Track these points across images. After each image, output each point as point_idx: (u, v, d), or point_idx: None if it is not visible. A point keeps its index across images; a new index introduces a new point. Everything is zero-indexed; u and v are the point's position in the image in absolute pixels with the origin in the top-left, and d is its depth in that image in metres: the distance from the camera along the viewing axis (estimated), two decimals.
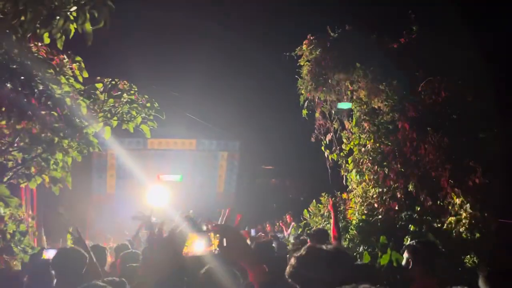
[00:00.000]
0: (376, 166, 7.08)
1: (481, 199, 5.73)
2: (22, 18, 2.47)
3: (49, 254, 4.77)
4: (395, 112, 7.07)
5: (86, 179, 14.52)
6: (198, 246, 1.64)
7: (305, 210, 8.71)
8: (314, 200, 8.81)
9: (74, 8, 2.58)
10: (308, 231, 8.17)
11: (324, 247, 1.74)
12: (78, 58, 4.65)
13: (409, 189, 6.54)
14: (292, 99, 9.32)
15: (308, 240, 5.24)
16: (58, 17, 2.59)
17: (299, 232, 8.42)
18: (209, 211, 11.87)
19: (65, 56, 4.61)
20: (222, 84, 16.12)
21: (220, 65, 15.19)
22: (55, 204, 12.23)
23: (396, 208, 6.70)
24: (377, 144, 7.20)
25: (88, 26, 2.61)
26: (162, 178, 15.90)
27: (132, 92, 4.69)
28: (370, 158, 7.18)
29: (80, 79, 4.64)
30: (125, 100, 4.64)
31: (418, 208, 6.43)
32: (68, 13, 2.58)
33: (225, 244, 1.57)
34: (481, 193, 5.75)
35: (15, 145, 4.25)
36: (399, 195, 6.71)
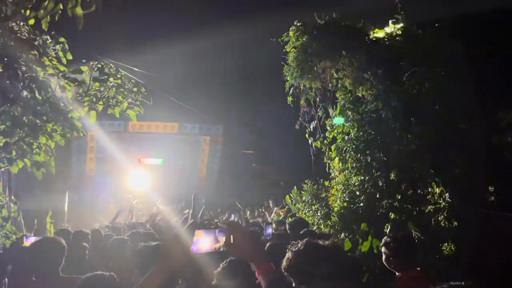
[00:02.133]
0: (358, 155, 7.17)
1: (460, 188, 5.89)
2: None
3: (30, 241, 4.72)
4: (379, 101, 7.13)
5: (64, 161, 14.26)
6: (205, 243, 1.62)
7: (287, 196, 8.79)
8: (295, 187, 8.89)
9: None
10: (289, 218, 8.29)
11: (321, 242, 1.77)
12: (62, 39, 4.50)
13: (390, 178, 6.65)
14: (277, 85, 9.32)
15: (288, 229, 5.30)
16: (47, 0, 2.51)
17: (281, 218, 8.52)
18: (190, 195, 11.84)
19: (49, 37, 4.46)
20: (206, 68, 15.93)
21: (204, 49, 14.99)
22: (31, 187, 12.00)
23: (377, 196, 6.82)
24: (361, 133, 7.28)
25: (79, 10, 2.53)
26: (143, 161, 15.76)
27: (119, 76, 4.59)
28: (353, 146, 7.26)
29: (64, 61, 4.50)
30: (111, 84, 4.55)
31: (399, 197, 6.56)
32: None
33: (232, 242, 1.57)
34: (460, 183, 5.91)
35: None
36: (380, 184, 6.83)
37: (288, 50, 7.99)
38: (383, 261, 3.46)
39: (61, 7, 2.93)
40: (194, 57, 15.12)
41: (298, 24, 7.79)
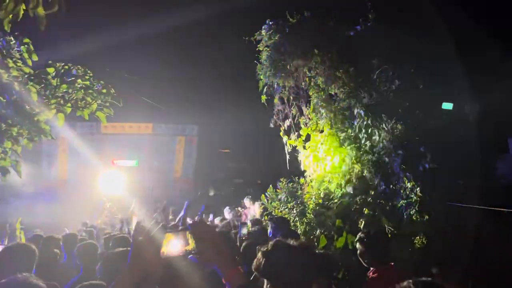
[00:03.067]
0: (333, 152, 7.26)
1: (430, 183, 6.04)
2: None
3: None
4: (351, 99, 7.24)
5: (35, 165, 13.87)
6: (174, 246, 1.59)
7: (263, 195, 8.81)
8: (271, 185, 8.91)
9: None
10: (265, 216, 8.31)
11: (290, 242, 1.77)
12: (27, 40, 4.36)
13: (363, 174, 6.76)
14: (251, 84, 9.32)
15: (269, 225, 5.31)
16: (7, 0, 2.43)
17: (256, 217, 8.53)
18: (166, 197, 11.74)
19: (12, 38, 4.32)
20: (180, 68, 15.78)
21: (177, 48, 14.85)
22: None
23: (351, 192, 6.92)
24: (334, 130, 7.38)
25: (41, 10, 2.46)
26: (117, 163, 15.48)
27: (87, 77, 4.49)
28: (327, 143, 7.35)
29: (29, 63, 4.37)
30: (79, 86, 4.44)
31: (372, 192, 6.68)
32: None
33: (193, 244, 1.54)
34: (430, 177, 6.06)
35: None
36: (354, 180, 6.93)
37: (261, 48, 8.00)
38: (358, 256, 3.52)
39: (24, 8, 2.85)
40: (167, 57, 14.97)
41: (270, 22, 7.81)
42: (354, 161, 6.94)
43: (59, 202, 13.82)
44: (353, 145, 7.06)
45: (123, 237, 4.26)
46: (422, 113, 6.60)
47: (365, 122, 6.91)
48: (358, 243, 3.53)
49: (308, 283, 1.62)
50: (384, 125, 6.65)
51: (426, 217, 5.93)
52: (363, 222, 6.45)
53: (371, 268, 3.33)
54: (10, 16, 3.03)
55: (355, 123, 7.06)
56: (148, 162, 16.49)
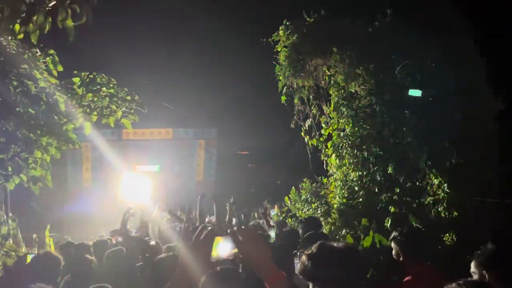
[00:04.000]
0: (355, 150, 7.19)
1: (458, 178, 5.92)
2: None
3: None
4: (372, 96, 7.16)
5: (60, 173, 14.12)
6: (223, 249, 1.59)
7: (286, 197, 8.79)
8: (293, 187, 8.89)
9: (53, 3, 2.47)
10: (290, 218, 8.29)
11: (335, 244, 1.76)
12: (52, 51, 4.46)
13: (388, 172, 6.67)
14: (270, 85, 9.32)
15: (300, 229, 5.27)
16: (37, 14, 2.48)
17: (281, 219, 8.51)
18: (189, 200, 11.80)
19: (38, 50, 4.42)
20: (197, 72, 15.90)
21: (195, 53, 14.96)
22: (26, 198, 11.88)
23: (376, 190, 6.84)
24: (356, 128, 7.30)
25: (70, 22, 2.51)
26: (139, 169, 15.66)
27: (111, 85, 4.56)
28: (349, 142, 7.28)
29: (55, 73, 4.46)
30: (104, 94, 4.51)
31: (398, 190, 6.59)
32: (48, 8, 2.47)
33: (235, 249, 1.54)
34: (457, 173, 5.94)
35: None
36: (378, 178, 6.85)
37: (279, 49, 7.99)
38: (393, 256, 3.45)
39: (50, 20, 2.90)
40: (184, 62, 15.09)
41: (287, 23, 7.79)
42: (378, 159, 6.86)
43: (85, 209, 14.06)
44: (376, 142, 6.98)
45: (141, 241, 4.29)
46: (446, 108, 6.48)
47: (388, 119, 6.83)
48: (392, 242, 3.46)
49: (356, 284, 1.60)
50: (407, 121, 6.56)
51: (455, 214, 5.81)
52: (390, 220, 6.37)
53: (407, 269, 3.26)
54: (38, 31, 3.10)
55: (378, 121, 6.98)
56: (169, 166, 16.63)
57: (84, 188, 16.16)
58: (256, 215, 10.79)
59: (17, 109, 3.96)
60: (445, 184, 5.91)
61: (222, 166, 18.26)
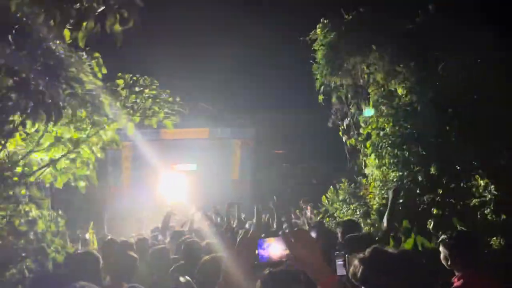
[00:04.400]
0: (395, 150, 7.01)
1: (507, 180, 5.67)
2: (52, 22, 2.45)
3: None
4: (414, 94, 6.97)
5: (101, 171, 14.57)
6: (275, 250, 1.58)
7: (323, 196, 8.69)
8: (331, 187, 8.78)
9: (102, 8, 2.54)
10: (327, 218, 8.19)
11: (390, 250, 1.72)
12: (97, 54, 4.60)
13: (430, 172, 6.48)
14: (307, 84, 9.25)
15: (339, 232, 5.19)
16: (87, 20, 2.57)
17: (319, 219, 8.42)
18: (225, 199, 11.89)
19: (84, 53, 4.57)
20: (235, 72, 16.01)
21: (233, 53, 15.06)
22: (68, 197, 12.32)
23: (418, 191, 6.66)
24: (396, 127, 7.12)
25: (117, 27, 2.58)
26: (176, 168, 15.96)
27: (154, 87, 4.67)
28: (389, 141, 7.11)
29: (99, 76, 4.60)
30: (147, 96, 4.63)
31: (441, 191, 6.38)
32: (96, 13, 2.55)
33: (286, 250, 1.53)
34: (506, 174, 5.68)
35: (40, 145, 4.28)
36: (420, 178, 6.66)
37: (316, 48, 7.91)
38: (441, 260, 3.34)
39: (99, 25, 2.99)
40: (222, 62, 15.22)
41: (325, 21, 7.71)
42: (420, 159, 6.67)
43: (124, 207, 14.47)
44: (418, 142, 6.79)
45: (194, 241, 4.36)
46: (493, 105, 6.21)
47: (430, 118, 6.62)
48: (441, 246, 3.34)
49: None
50: (451, 120, 6.34)
51: (504, 216, 5.56)
52: (432, 222, 6.18)
53: (456, 273, 3.15)
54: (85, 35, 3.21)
55: (419, 119, 6.78)
56: (206, 165, 16.83)
57: (124, 186, 16.65)
58: (293, 216, 10.73)
59: (65, 110, 4.10)
60: (492, 186, 5.67)
61: (258, 165, 18.31)
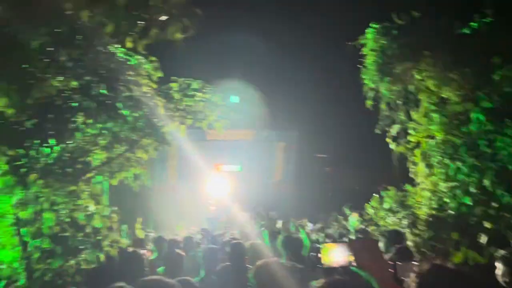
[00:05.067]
0: (446, 159, 6.80)
1: None
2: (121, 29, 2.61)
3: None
4: (468, 102, 6.73)
5: (149, 169, 15.05)
6: (338, 256, 1.62)
7: (367, 204, 8.53)
8: (376, 194, 8.60)
9: (166, 17, 2.67)
10: (371, 227, 8.04)
11: (448, 265, 1.70)
12: (153, 59, 4.80)
13: (484, 184, 6.22)
14: (354, 89, 9.12)
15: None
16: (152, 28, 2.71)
17: (361, 226, 8.30)
18: (267, 201, 11.99)
19: (141, 57, 4.78)
20: (280, 75, 16.07)
21: (278, 56, 15.13)
22: (118, 194, 12.80)
23: (469, 203, 6.42)
24: (448, 136, 6.91)
25: (179, 35, 2.70)
26: (221, 168, 16.23)
27: (206, 91, 4.81)
28: (440, 150, 6.90)
29: (155, 79, 4.79)
30: (199, 99, 4.77)
31: (494, 204, 6.12)
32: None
33: (349, 257, 1.55)
34: None
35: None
36: (472, 190, 6.42)
37: (365, 52, 7.79)
38: (500, 276, 3.22)
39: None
40: (267, 65, 15.32)
41: (375, 26, 7.57)
42: (472, 170, 6.43)
43: (170, 205, 14.87)
44: (471, 152, 6.54)
45: (239, 243, 4.44)
46: None
47: (484, 128, 6.37)
48: (499, 262, 3.23)
49: None
50: (508, 130, 6.07)
51: None
52: (484, 237, 5.93)
53: None
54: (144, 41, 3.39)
55: (473, 129, 6.54)
56: (250, 167, 17.01)
57: (169, 185, 17.10)
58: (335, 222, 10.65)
59: (121, 111, 4.30)
60: None
61: (300, 168, 18.27)
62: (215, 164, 15.94)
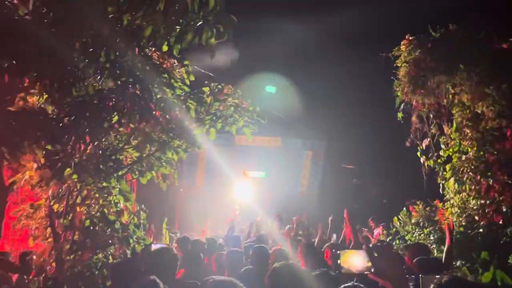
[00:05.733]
0: (478, 176, 6.62)
1: None
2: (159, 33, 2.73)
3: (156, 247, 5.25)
4: (503, 118, 6.56)
5: (177, 171, 15.32)
6: (357, 262, 1.65)
7: (395, 217, 8.39)
8: (404, 208, 8.46)
9: (200, 23, 2.76)
10: (397, 240, 7.90)
11: (468, 279, 1.68)
12: (186, 62, 4.94)
13: None
14: (383, 100, 9.04)
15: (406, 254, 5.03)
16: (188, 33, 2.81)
17: (388, 240, 8.16)
18: (292, 210, 11.93)
19: (175, 61, 4.93)
20: (309, 83, 16.07)
21: (307, 64, 15.16)
22: (145, 193, 13.05)
23: (501, 222, 6.22)
24: (481, 152, 6.73)
25: (213, 41, 2.78)
26: (248, 174, 16.33)
27: (236, 96, 4.90)
28: (472, 166, 6.73)
29: (187, 82, 4.92)
30: (229, 104, 4.86)
31: None
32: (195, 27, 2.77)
33: (368, 263, 1.56)
34: None
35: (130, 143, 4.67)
36: (504, 209, 6.23)
37: (399, 64, 7.71)
38: None
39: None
40: (296, 73, 15.37)
41: (410, 38, 7.49)
42: (505, 188, 6.24)
43: (196, 206, 15.06)
44: (504, 169, 6.35)
45: (262, 247, 4.47)
46: None
47: None
48: None
49: None
50: None
51: None
52: None
53: None
54: (179, 45, 3.51)
55: (508, 145, 6.35)
56: (276, 174, 17.02)
57: (196, 187, 17.33)
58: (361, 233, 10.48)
59: (154, 112, 4.44)
60: None
61: (327, 178, 18.12)
62: (243, 169, 16.08)
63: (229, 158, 14.07)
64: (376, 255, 1.58)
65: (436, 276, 2.14)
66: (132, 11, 2.70)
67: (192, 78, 4.98)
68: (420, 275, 2.54)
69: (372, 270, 1.56)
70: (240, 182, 14.65)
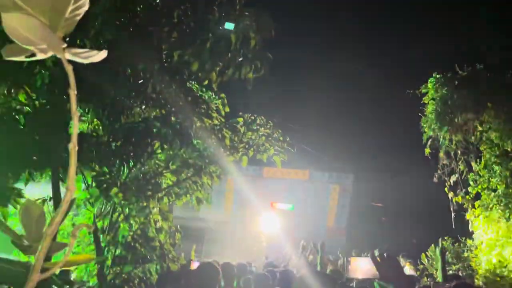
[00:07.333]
0: (509, 213, 6.60)
1: None
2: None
3: (194, 265, 5.52)
4: None
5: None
6: (361, 268, 1.86)
7: (423, 254, 8.32)
8: (433, 244, 8.38)
9: (240, 59, 3.12)
10: (425, 277, 7.81)
11: (474, 285, 1.85)
12: (223, 95, 5.33)
13: None
14: (411, 136, 9.15)
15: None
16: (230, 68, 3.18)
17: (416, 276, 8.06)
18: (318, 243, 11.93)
19: (213, 93, 5.33)
20: (338, 117, 16.33)
21: (337, 99, 15.48)
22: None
23: None
24: (510, 190, 6.74)
25: (251, 75, 3.13)
26: (275, 205, 16.45)
27: (268, 126, 5.22)
28: (502, 204, 6.73)
29: (223, 113, 5.29)
30: (261, 134, 5.18)
31: None
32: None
33: (372, 270, 1.76)
34: None
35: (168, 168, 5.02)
36: None
37: (426, 101, 7.91)
38: None
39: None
40: (326, 106, 15.68)
41: (437, 76, 7.72)
42: None
43: (223, 235, 15.22)
44: None
45: (288, 271, 4.64)
46: None
47: None
48: None
49: None
50: None
51: None
52: None
53: None
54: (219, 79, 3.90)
55: None
56: (303, 207, 17.07)
57: (225, 216, 17.53)
58: None
59: (193, 139, 4.79)
60: None
61: (355, 214, 17.97)
62: (270, 201, 16.22)
63: (257, 190, 14.31)
64: (379, 261, 1.76)
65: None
66: (183, 49, 3.09)
67: (227, 109, 5.34)
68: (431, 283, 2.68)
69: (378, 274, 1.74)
70: (267, 213, 14.78)
